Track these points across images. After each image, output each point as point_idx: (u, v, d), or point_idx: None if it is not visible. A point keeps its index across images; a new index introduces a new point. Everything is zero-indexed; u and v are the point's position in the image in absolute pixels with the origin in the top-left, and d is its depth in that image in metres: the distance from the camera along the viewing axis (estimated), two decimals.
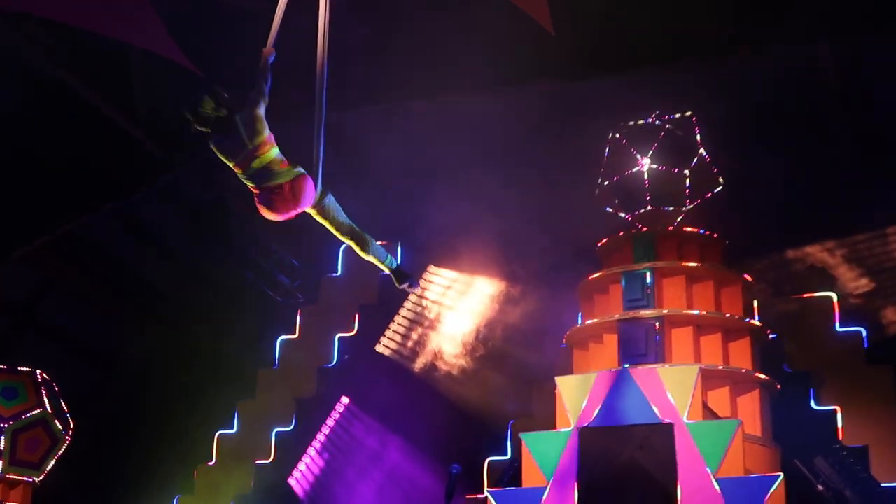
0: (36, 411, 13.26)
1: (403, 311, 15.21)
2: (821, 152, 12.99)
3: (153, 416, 15.28)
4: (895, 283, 13.38)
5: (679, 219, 12.58)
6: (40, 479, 13.33)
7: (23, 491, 13.19)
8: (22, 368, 13.44)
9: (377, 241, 15.05)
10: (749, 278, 12.51)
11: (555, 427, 11.71)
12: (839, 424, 12.45)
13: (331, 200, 8.15)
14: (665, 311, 11.95)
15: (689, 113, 12.58)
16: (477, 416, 14.04)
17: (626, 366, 11.49)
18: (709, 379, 11.56)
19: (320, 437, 14.85)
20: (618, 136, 12.69)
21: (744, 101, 12.69)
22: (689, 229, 12.56)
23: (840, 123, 12.97)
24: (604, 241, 12.90)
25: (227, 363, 15.31)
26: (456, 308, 14.80)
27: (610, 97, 12.83)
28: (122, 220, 14.77)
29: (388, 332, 15.16)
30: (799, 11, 11.48)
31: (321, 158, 8.04)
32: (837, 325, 13.00)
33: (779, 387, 12.15)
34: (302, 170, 7.97)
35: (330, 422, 14.90)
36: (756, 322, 12.32)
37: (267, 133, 7.92)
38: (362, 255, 8.53)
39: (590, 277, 12.68)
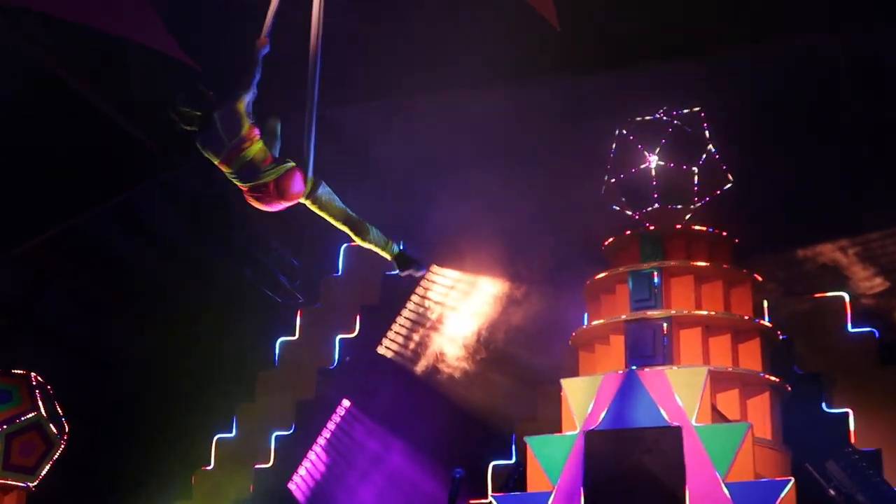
0: (30, 415, 13.22)
1: (406, 312, 15.17)
2: (833, 148, 12.96)
3: (151, 419, 15.24)
4: None
5: (687, 217, 12.55)
6: (35, 484, 13.29)
7: (17, 497, 13.17)
8: (16, 371, 13.41)
9: None
10: (759, 278, 12.46)
11: (560, 430, 11.67)
12: (851, 427, 12.40)
13: (324, 191, 8.12)
14: (673, 312, 11.92)
15: (697, 108, 12.54)
16: (481, 419, 14.00)
17: (634, 367, 11.46)
18: (718, 381, 11.52)
19: (321, 440, 14.81)
20: (624, 132, 12.65)
21: (754, 96, 12.67)
22: (697, 228, 12.53)
23: (852, 118, 12.92)
24: (610, 239, 12.87)
25: (226, 365, 15.29)
26: (459, 309, 14.76)
27: (616, 93, 12.81)
28: (121, 219, 14.76)
29: (391, 334, 15.12)
30: (808, 3, 11.44)
31: (312, 151, 8.00)
32: (850, 325, 12.96)
33: (789, 389, 12.10)
34: (291, 164, 7.95)
35: (331, 425, 14.86)
36: (766, 323, 12.29)
37: (247, 128, 7.88)
38: (361, 243, 8.44)
39: (596, 277, 12.64)
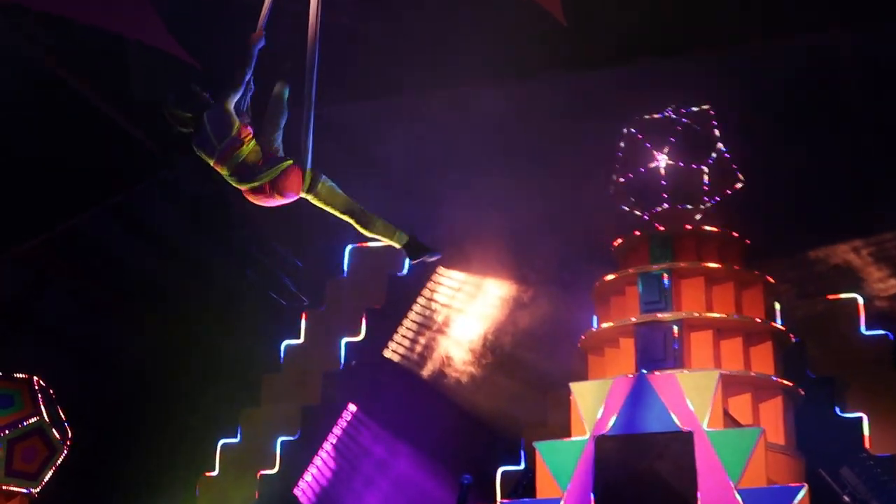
0: (33, 420, 13.18)
1: (412, 315, 15.12)
2: (845, 146, 12.89)
3: (153, 423, 15.21)
4: None
5: (697, 217, 12.52)
6: (38, 490, 13.25)
7: (20, 503, 13.11)
8: (18, 375, 13.37)
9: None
10: (771, 279, 12.40)
11: (570, 435, 11.67)
12: (866, 432, 12.35)
13: (324, 185, 8.00)
14: (684, 314, 11.89)
15: (706, 106, 12.48)
16: (489, 423, 13.96)
17: (644, 371, 11.46)
18: (729, 385, 11.48)
19: (327, 445, 14.76)
20: (633, 130, 12.60)
21: (764, 94, 12.63)
22: (708, 228, 12.49)
23: (865, 116, 12.84)
24: (619, 240, 12.84)
25: (229, 368, 15.25)
26: (466, 311, 14.72)
27: (623, 91, 12.77)
28: (121, 219, 14.76)
29: (397, 337, 15.08)
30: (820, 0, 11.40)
31: (310, 146, 7.91)
32: (863, 327, 12.89)
33: (802, 393, 12.05)
34: (287, 162, 7.86)
35: (337, 430, 14.81)
36: (778, 325, 12.26)
37: (237, 128, 7.80)
38: (367, 233, 8.26)
39: (605, 279, 12.62)
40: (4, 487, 12.97)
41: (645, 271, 12.22)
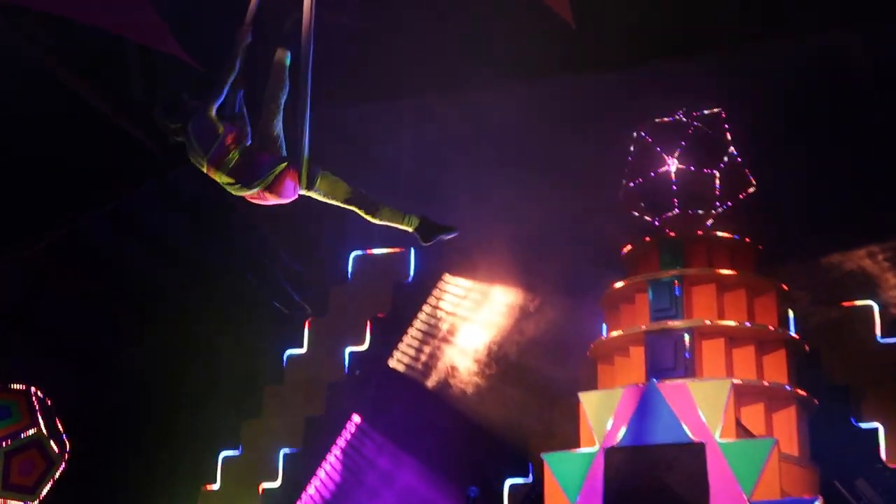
0: (30, 432, 13.21)
1: (418, 324, 15.09)
2: (860, 150, 12.86)
3: (153, 434, 15.21)
4: None
5: (709, 222, 12.50)
6: None
7: None
8: (15, 386, 13.37)
9: (388, 248, 15.01)
10: (784, 286, 12.38)
11: (578, 446, 11.66)
12: (882, 443, 12.28)
13: (324, 180, 7.91)
14: (695, 322, 11.88)
15: (718, 109, 12.46)
16: (496, 434, 13.92)
17: (654, 380, 11.42)
18: (742, 394, 11.47)
19: (330, 457, 14.72)
20: (643, 134, 12.58)
21: (777, 96, 12.62)
22: (719, 234, 12.49)
23: (880, 119, 12.80)
24: (629, 246, 12.82)
25: (231, 378, 15.26)
26: (472, 320, 14.69)
27: (633, 94, 12.75)
28: (121, 223, 14.75)
29: (402, 346, 15.04)
30: (830, 1, 11.38)
31: (306, 144, 7.84)
32: (879, 335, 12.82)
33: (817, 402, 12.03)
34: (281, 166, 7.78)
35: (340, 441, 14.77)
36: (792, 333, 12.25)
37: (222, 135, 7.73)
38: (376, 220, 8.15)
39: (614, 286, 12.61)
40: (2, 501, 12.96)
41: (655, 278, 12.21)
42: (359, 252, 15.24)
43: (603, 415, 11.43)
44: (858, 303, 13.03)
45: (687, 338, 11.76)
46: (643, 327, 12.04)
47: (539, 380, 13.82)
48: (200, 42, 11.04)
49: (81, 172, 13.39)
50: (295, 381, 14.89)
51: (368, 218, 8.08)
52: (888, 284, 13.21)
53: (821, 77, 12.47)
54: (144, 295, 15.52)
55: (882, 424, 12.34)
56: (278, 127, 7.92)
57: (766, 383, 11.72)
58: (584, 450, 11.50)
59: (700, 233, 12.44)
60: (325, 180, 7.90)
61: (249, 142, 7.92)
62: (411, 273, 14.97)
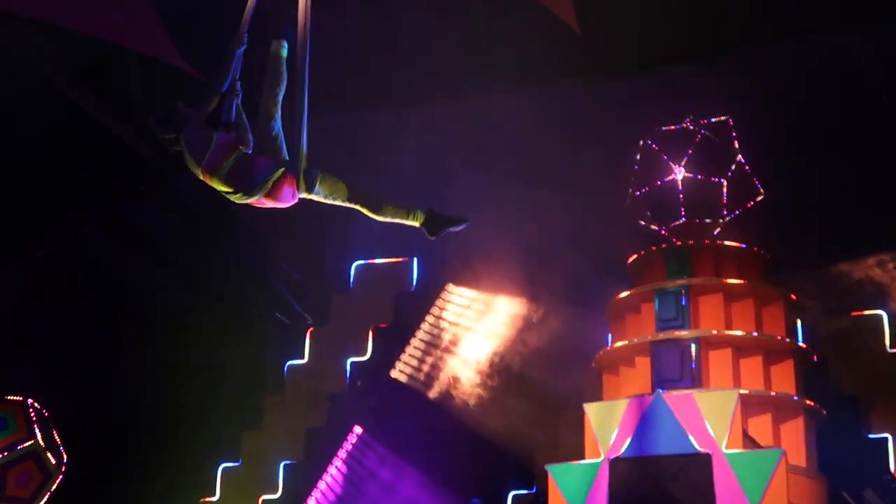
0: (27, 443, 13.20)
1: (420, 334, 15.09)
2: (869, 157, 12.85)
3: (152, 445, 15.20)
4: None
5: (716, 231, 12.50)
6: None
7: None
8: (12, 398, 13.36)
9: (390, 258, 14.99)
10: (793, 296, 12.38)
11: (583, 458, 11.64)
12: (891, 454, 12.28)
13: (324, 181, 7.87)
14: (702, 332, 11.90)
15: (725, 117, 12.46)
16: (499, 445, 13.90)
17: (660, 391, 11.40)
18: (749, 405, 11.49)
19: (332, 469, 14.71)
20: (649, 142, 12.58)
21: (785, 103, 12.58)
22: (727, 243, 12.49)
23: (890, 126, 12.80)
24: (635, 256, 12.81)
25: (230, 388, 15.24)
26: (476, 330, 14.68)
27: (638, 101, 12.73)
28: (121, 232, 14.77)
29: (405, 357, 15.04)
30: (839, 4, 11.38)
31: (304, 147, 7.82)
32: (888, 345, 12.81)
33: (825, 413, 12.03)
34: (278, 172, 7.76)
35: (342, 453, 14.76)
36: (800, 343, 12.24)
37: (214, 143, 7.72)
38: (380, 218, 8.10)
39: (620, 296, 12.63)
40: None
41: (661, 287, 12.22)
42: (361, 261, 15.25)
43: (608, 425, 11.42)
44: (867, 312, 13.05)
45: (693, 348, 11.76)
46: (649, 337, 12.05)
47: (543, 390, 13.81)
48: (199, 51, 11.09)
49: (79, 180, 13.40)
50: (296, 391, 14.90)
51: (373, 216, 8.03)
52: None
53: (830, 85, 12.46)
54: (144, 305, 15.53)
55: (891, 435, 12.37)
56: (277, 127, 7.90)
57: (773, 394, 11.73)
58: (588, 461, 11.49)
59: (707, 242, 12.45)
60: (326, 182, 7.87)
61: (250, 150, 7.91)
62: (414, 283, 14.97)
